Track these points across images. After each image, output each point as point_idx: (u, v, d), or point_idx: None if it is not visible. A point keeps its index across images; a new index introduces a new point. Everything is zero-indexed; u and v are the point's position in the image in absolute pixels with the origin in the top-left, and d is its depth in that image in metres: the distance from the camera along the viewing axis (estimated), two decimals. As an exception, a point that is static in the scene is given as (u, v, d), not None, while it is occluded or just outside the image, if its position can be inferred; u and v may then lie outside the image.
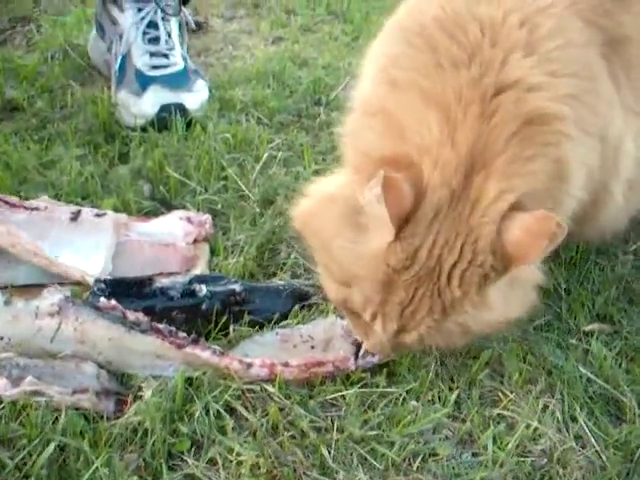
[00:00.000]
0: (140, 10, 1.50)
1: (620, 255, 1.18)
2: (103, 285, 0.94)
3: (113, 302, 0.90)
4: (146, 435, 0.82)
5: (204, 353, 0.88)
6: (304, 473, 0.81)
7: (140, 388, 0.88)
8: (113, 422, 0.83)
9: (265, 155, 1.29)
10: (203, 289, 0.96)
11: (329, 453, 0.83)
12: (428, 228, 0.78)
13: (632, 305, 1.08)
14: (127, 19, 1.49)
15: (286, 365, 0.89)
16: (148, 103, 1.35)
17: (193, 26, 1.61)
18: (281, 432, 0.84)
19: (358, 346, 0.92)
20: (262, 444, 0.82)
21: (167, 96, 1.36)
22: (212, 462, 0.81)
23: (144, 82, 1.38)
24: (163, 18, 1.52)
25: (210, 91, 1.51)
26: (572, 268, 1.12)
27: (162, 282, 0.96)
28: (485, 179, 0.78)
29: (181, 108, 1.35)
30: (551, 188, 0.83)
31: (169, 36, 1.50)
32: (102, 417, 0.84)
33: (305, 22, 2.06)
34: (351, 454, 0.84)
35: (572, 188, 0.88)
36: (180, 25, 1.59)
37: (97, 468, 0.77)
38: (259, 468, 0.80)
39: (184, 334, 0.89)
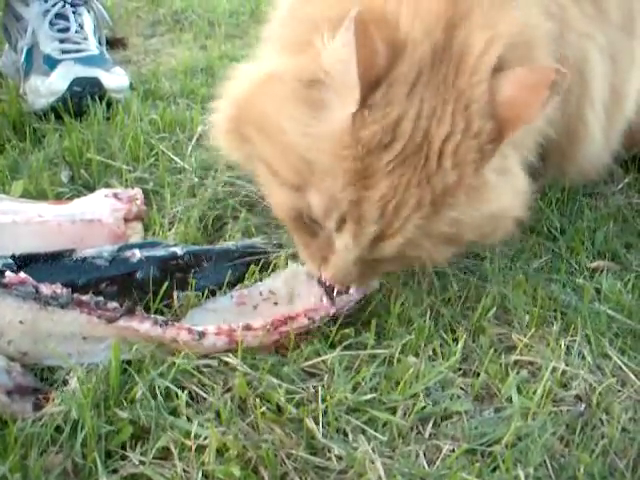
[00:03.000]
0: (46, 1, 1.34)
1: (609, 195, 1.05)
2: (10, 260, 0.74)
3: (22, 275, 0.71)
4: (74, 430, 0.62)
5: (143, 325, 0.69)
6: (288, 454, 0.62)
7: (65, 382, 0.68)
8: (27, 422, 0.62)
9: (199, 129, 1.13)
10: (137, 254, 0.77)
11: (317, 427, 0.64)
12: (410, 93, 0.63)
13: (639, 238, 0.95)
14: (32, 11, 1.33)
15: (248, 328, 0.71)
16: (58, 77, 1.17)
17: (108, 20, 1.46)
18: (250, 409, 0.65)
19: (330, 287, 0.74)
20: (229, 424, 0.63)
21: (80, 70, 1.19)
22: (163, 455, 0.61)
23: (54, 64, 1.21)
24: (74, 12, 1.36)
25: (131, 86, 1.35)
26: (562, 207, 0.99)
27: (85, 252, 0.77)
28: (468, 31, 0.65)
29: (96, 84, 1.17)
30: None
31: (81, 27, 1.34)
32: (16, 421, 0.63)
33: (230, 30, 1.95)
34: (345, 425, 0.65)
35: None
36: (97, 22, 1.43)
37: (4, 475, 0.56)
38: (227, 451, 0.60)
39: (115, 304, 0.70)
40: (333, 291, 0.73)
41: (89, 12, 1.40)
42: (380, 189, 0.63)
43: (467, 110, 0.64)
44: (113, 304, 0.70)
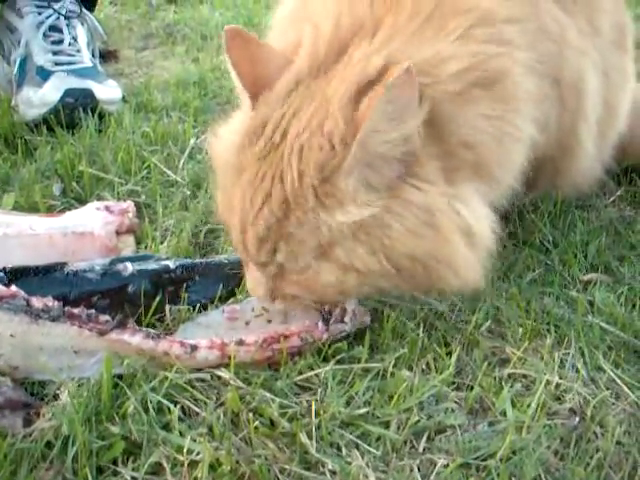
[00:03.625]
0: (40, 13, 1.34)
1: (601, 208, 1.05)
2: (1, 273, 0.74)
3: (13, 288, 0.70)
4: (65, 446, 0.61)
5: (134, 338, 0.69)
6: (282, 469, 0.61)
7: (56, 396, 0.68)
8: (17, 437, 0.62)
9: (192, 142, 1.13)
10: (129, 267, 0.77)
11: (310, 442, 0.64)
12: (284, 99, 0.68)
13: (631, 250, 0.95)
14: (26, 22, 1.33)
15: (241, 343, 0.70)
16: (51, 88, 1.18)
17: (102, 33, 1.46)
18: (243, 423, 0.65)
19: (327, 312, 0.74)
20: (222, 438, 0.62)
21: (73, 81, 1.19)
22: (155, 470, 0.61)
23: (46, 75, 1.21)
24: (68, 24, 1.36)
25: (124, 99, 1.35)
26: (555, 220, 0.99)
27: (77, 265, 0.77)
28: (359, 45, 0.68)
29: (89, 95, 1.18)
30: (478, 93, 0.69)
31: (75, 40, 1.34)
32: (5, 436, 0.63)
33: (222, 44, 1.94)
34: (339, 440, 0.65)
35: (519, 109, 0.74)
36: (91, 35, 1.43)
37: (-5, 492, 0.56)
38: (220, 466, 0.60)
39: (107, 317, 0.69)
40: (330, 318, 0.73)
41: (83, 25, 1.41)
42: (243, 180, 0.68)
43: (325, 111, 0.65)
44: (105, 317, 0.70)
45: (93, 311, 0.70)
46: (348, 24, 0.69)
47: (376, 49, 0.67)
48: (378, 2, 0.70)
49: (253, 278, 0.73)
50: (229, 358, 0.69)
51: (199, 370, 0.70)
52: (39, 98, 1.17)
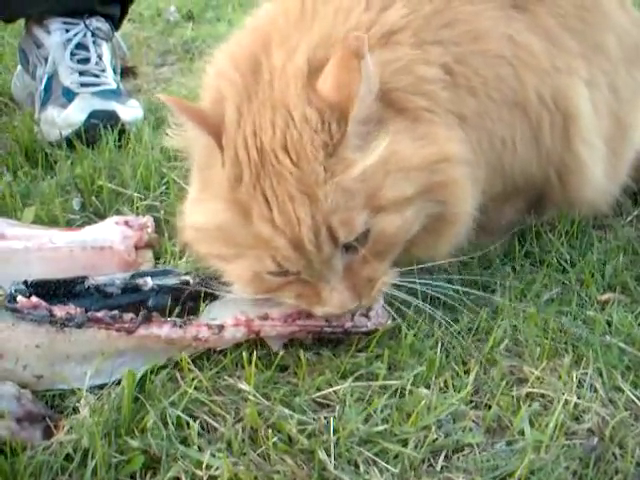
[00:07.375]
0: (68, 31, 1.36)
1: (618, 227, 1.05)
2: (23, 286, 0.75)
3: (35, 299, 0.71)
4: (84, 459, 0.61)
5: (163, 329, 0.71)
6: (299, 485, 0.61)
7: (75, 409, 0.68)
8: (37, 450, 0.62)
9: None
10: (149, 282, 0.77)
11: (328, 459, 0.64)
12: (236, 129, 0.71)
13: (650, 271, 0.95)
14: (53, 39, 1.35)
15: (265, 318, 0.72)
16: (76, 110, 1.20)
17: (125, 50, 1.48)
18: (262, 439, 0.65)
19: None
20: (240, 454, 0.62)
21: (97, 103, 1.21)
22: (175, 484, 0.61)
23: (72, 96, 1.23)
24: (94, 42, 1.38)
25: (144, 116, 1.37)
26: (572, 240, 0.99)
27: (97, 279, 0.78)
28: (271, 55, 0.73)
29: (113, 116, 1.20)
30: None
31: (100, 59, 1.37)
32: (25, 448, 0.63)
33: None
34: (357, 457, 0.65)
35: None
36: (114, 53, 1.46)
37: (16, 505, 0.56)
38: (239, 482, 0.60)
39: (131, 315, 0.71)
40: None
41: (107, 42, 1.43)
42: (258, 213, 0.69)
43: (284, 110, 0.69)
44: (129, 315, 0.71)
45: (116, 312, 0.71)
46: (247, 46, 0.77)
47: (289, 47, 0.72)
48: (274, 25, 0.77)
49: (333, 292, 0.71)
50: (256, 333, 0.72)
51: (218, 387, 0.70)
52: (63, 119, 1.20)
